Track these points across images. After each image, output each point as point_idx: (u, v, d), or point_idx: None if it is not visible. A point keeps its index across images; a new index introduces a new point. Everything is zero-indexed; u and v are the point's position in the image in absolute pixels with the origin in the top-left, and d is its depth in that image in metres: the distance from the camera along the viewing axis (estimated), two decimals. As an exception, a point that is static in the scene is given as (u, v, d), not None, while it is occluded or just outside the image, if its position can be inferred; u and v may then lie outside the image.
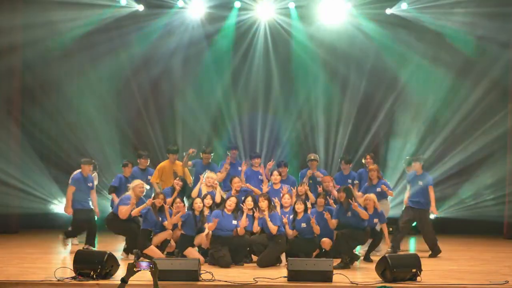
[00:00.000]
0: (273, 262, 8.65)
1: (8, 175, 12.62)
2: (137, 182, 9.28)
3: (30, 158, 13.00)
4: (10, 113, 12.82)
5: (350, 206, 8.75)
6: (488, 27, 12.65)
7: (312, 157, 10.31)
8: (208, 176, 9.57)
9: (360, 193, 9.64)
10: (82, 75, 13.12)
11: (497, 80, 13.05)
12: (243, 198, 9.03)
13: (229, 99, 13.49)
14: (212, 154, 10.54)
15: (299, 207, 8.86)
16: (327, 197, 9.28)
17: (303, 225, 8.81)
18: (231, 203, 8.85)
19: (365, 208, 8.87)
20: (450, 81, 13.18)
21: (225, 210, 8.83)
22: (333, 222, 8.82)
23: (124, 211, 9.05)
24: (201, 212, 8.97)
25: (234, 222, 8.78)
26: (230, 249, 8.68)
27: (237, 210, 8.88)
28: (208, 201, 9.05)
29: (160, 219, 8.89)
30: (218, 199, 9.33)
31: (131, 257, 8.82)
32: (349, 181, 10.15)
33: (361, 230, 8.74)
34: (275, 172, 9.64)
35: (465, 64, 13.07)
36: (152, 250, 8.70)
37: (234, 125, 13.43)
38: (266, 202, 8.85)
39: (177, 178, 9.74)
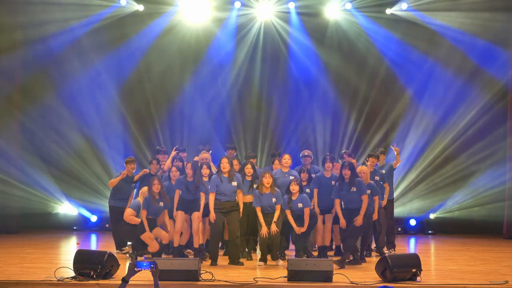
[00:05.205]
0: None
1: (9, 175, 12.64)
2: (145, 189, 9.32)
3: (31, 158, 13.01)
4: (11, 113, 12.82)
5: (354, 181, 8.80)
6: (490, 27, 12.66)
7: (306, 153, 10.07)
8: (202, 158, 9.57)
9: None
10: (82, 75, 13.11)
11: (499, 81, 13.06)
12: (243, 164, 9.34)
13: (232, 98, 13.52)
14: (210, 151, 10.48)
15: (294, 188, 8.89)
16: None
17: (300, 205, 8.86)
18: (224, 165, 8.83)
19: None
20: (450, 80, 13.19)
21: (222, 174, 8.82)
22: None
23: (126, 215, 9.22)
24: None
25: (234, 183, 8.80)
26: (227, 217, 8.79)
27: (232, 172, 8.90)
28: (205, 170, 9.03)
29: (162, 203, 8.92)
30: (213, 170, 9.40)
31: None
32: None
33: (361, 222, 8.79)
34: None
35: (465, 64, 13.07)
36: (147, 237, 8.78)
37: (234, 125, 13.46)
38: (271, 179, 8.83)
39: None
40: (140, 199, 9.22)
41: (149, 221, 8.92)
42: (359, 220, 8.73)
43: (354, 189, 8.78)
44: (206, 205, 8.90)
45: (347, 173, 8.84)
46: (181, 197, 9.00)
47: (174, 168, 9.34)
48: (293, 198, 8.90)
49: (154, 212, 8.96)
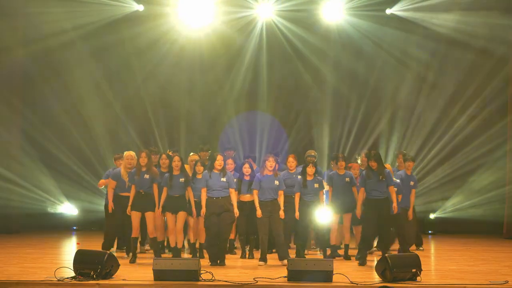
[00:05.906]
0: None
1: (9, 175, 12.64)
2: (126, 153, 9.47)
3: (31, 158, 13.01)
4: (11, 113, 12.83)
5: (383, 170, 8.83)
6: (489, 25, 12.68)
7: (312, 153, 9.93)
8: (191, 160, 9.61)
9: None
10: (82, 76, 13.11)
11: (499, 80, 13.07)
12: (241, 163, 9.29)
13: (231, 98, 13.54)
14: (209, 151, 10.47)
15: (312, 169, 8.96)
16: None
17: (316, 185, 8.93)
18: (220, 162, 8.78)
19: None
20: (449, 78, 13.21)
21: (214, 170, 8.74)
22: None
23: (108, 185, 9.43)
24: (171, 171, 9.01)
25: (223, 179, 8.71)
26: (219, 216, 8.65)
27: (224, 170, 8.84)
28: (199, 167, 8.97)
29: (148, 176, 8.88)
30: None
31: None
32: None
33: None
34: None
35: (464, 61, 13.09)
36: (132, 212, 8.86)
37: (232, 125, 13.48)
38: (274, 163, 8.80)
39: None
40: (122, 167, 9.33)
41: (140, 195, 8.90)
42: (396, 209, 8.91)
43: (383, 178, 8.80)
44: (198, 204, 8.79)
45: (373, 164, 8.85)
46: (168, 194, 8.91)
47: (164, 156, 9.35)
48: (309, 178, 8.92)
49: (140, 185, 8.91)
